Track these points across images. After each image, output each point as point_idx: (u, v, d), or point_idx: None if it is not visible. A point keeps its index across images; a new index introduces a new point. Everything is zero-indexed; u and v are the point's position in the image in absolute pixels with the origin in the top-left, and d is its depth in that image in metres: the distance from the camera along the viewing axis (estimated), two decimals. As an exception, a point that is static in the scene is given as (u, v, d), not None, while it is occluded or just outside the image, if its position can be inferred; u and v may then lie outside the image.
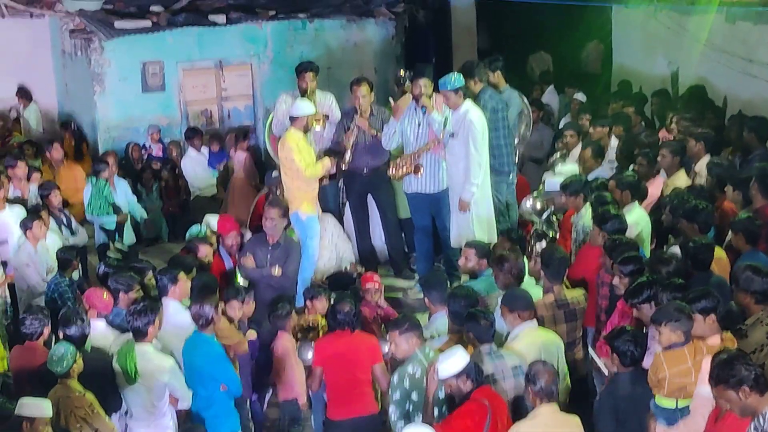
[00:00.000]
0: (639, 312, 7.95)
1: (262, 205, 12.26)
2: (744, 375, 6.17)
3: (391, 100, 12.15)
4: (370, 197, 12.49)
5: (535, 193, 11.74)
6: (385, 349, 8.71)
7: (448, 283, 9.66)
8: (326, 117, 12.23)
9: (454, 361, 7.41)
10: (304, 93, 12.19)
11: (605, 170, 11.95)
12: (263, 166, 14.89)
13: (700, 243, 8.64)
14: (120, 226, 13.16)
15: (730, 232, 9.31)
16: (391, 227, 12.48)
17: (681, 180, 10.74)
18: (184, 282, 9.48)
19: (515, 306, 8.27)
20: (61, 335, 8.72)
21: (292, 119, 11.55)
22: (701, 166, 11.10)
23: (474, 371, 7.41)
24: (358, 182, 12.34)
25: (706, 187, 10.43)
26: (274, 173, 12.70)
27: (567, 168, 11.83)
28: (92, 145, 16.25)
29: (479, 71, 12.07)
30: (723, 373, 6.25)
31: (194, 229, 11.48)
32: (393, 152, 11.98)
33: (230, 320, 9.27)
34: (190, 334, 8.79)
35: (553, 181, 11.47)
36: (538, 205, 11.43)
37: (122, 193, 13.25)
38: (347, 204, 12.84)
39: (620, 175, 10.63)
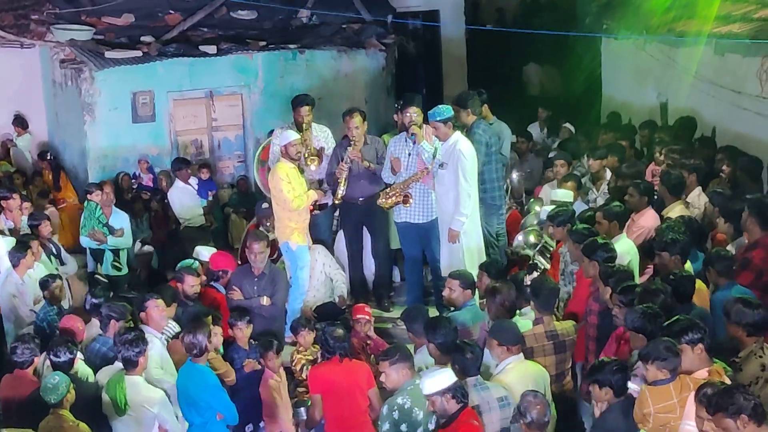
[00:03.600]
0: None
1: (252, 235, 12.27)
2: (743, 404, 6.24)
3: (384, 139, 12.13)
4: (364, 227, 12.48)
5: (528, 227, 11.71)
6: None
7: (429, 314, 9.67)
8: (321, 150, 12.22)
9: (441, 378, 7.46)
10: (299, 126, 12.19)
11: (582, 203, 11.99)
12: (254, 197, 14.88)
13: (681, 275, 8.65)
14: (113, 250, 13.15)
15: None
16: (382, 257, 12.49)
17: (676, 211, 10.73)
18: (154, 309, 9.46)
19: (504, 339, 8.26)
20: (48, 362, 8.72)
21: (282, 149, 11.57)
22: (693, 197, 11.14)
23: (459, 391, 7.42)
24: (353, 212, 12.34)
25: (707, 215, 10.44)
26: (264, 204, 12.71)
27: (561, 192, 11.84)
28: (81, 175, 16.22)
29: (472, 103, 12.12)
30: (722, 402, 6.31)
31: (186, 262, 11.47)
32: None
33: (215, 349, 9.32)
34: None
35: (547, 209, 11.49)
36: (531, 239, 11.39)
37: (118, 222, 13.24)
38: (339, 233, 12.84)
39: (607, 207, 10.63)
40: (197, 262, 11.42)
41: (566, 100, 19.45)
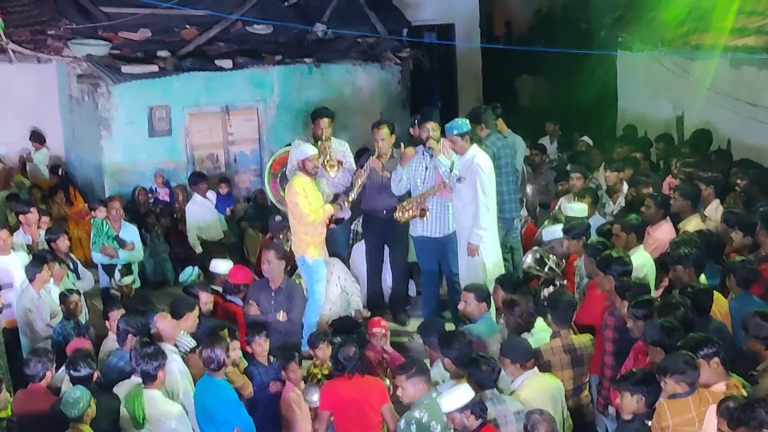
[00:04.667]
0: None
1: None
2: (765, 418, 6.26)
3: (401, 145, 12.16)
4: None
5: (535, 247, 11.70)
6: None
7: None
8: (340, 163, 12.22)
9: (459, 395, 7.45)
10: (318, 139, 12.19)
11: (600, 218, 11.96)
12: (270, 211, 14.90)
13: (698, 289, 8.64)
14: (126, 265, 13.17)
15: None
16: (399, 271, 12.48)
17: (693, 224, 10.70)
18: (162, 322, 9.46)
19: (516, 357, 8.26)
20: (67, 377, 8.76)
21: (299, 164, 11.58)
22: (711, 210, 11.11)
23: (478, 407, 7.41)
24: (376, 225, 12.35)
25: (720, 232, 10.40)
26: (277, 218, 12.73)
27: (576, 208, 11.79)
28: (98, 189, 16.28)
29: (486, 117, 12.12)
30: (744, 416, 6.33)
31: (187, 272, 11.47)
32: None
33: (233, 363, 9.33)
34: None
35: (550, 230, 11.46)
36: (538, 256, 11.37)
37: (129, 236, 13.27)
38: (355, 246, 12.84)
39: (625, 219, 10.62)
40: (197, 269, 11.46)
41: (581, 112, 19.42)
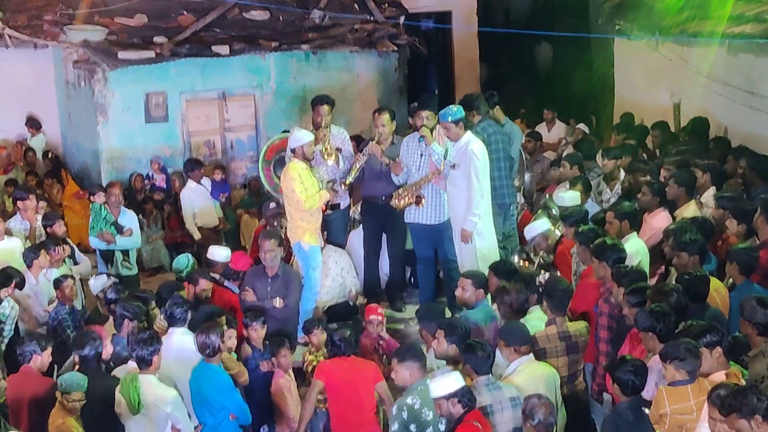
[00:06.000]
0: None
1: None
2: (757, 405, 6.22)
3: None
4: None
5: (518, 248, 11.68)
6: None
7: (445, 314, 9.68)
8: (339, 150, 12.22)
9: (448, 382, 7.45)
10: (318, 126, 12.19)
11: (595, 205, 11.95)
12: (266, 197, 14.90)
13: (695, 275, 8.61)
14: (123, 251, 13.17)
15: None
16: (396, 258, 12.48)
17: (689, 211, 10.69)
18: None
19: (512, 340, 8.26)
20: (76, 358, 8.83)
21: (293, 151, 11.56)
22: (707, 197, 11.09)
23: (466, 396, 7.41)
24: (375, 212, 12.36)
25: (715, 219, 10.40)
26: (271, 204, 12.70)
27: (568, 198, 11.75)
28: (94, 176, 16.26)
29: (479, 104, 12.11)
30: (736, 402, 6.29)
31: (182, 261, 11.46)
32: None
33: (229, 350, 9.33)
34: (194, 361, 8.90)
35: (529, 228, 11.39)
36: (525, 256, 11.33)
37: (127, 222, 13.25)
38: (352, 233, 12.84)
39: (618, 206, 10.61)
40: (192, 258, 11.46)
41: (579, 100, 19.39)
